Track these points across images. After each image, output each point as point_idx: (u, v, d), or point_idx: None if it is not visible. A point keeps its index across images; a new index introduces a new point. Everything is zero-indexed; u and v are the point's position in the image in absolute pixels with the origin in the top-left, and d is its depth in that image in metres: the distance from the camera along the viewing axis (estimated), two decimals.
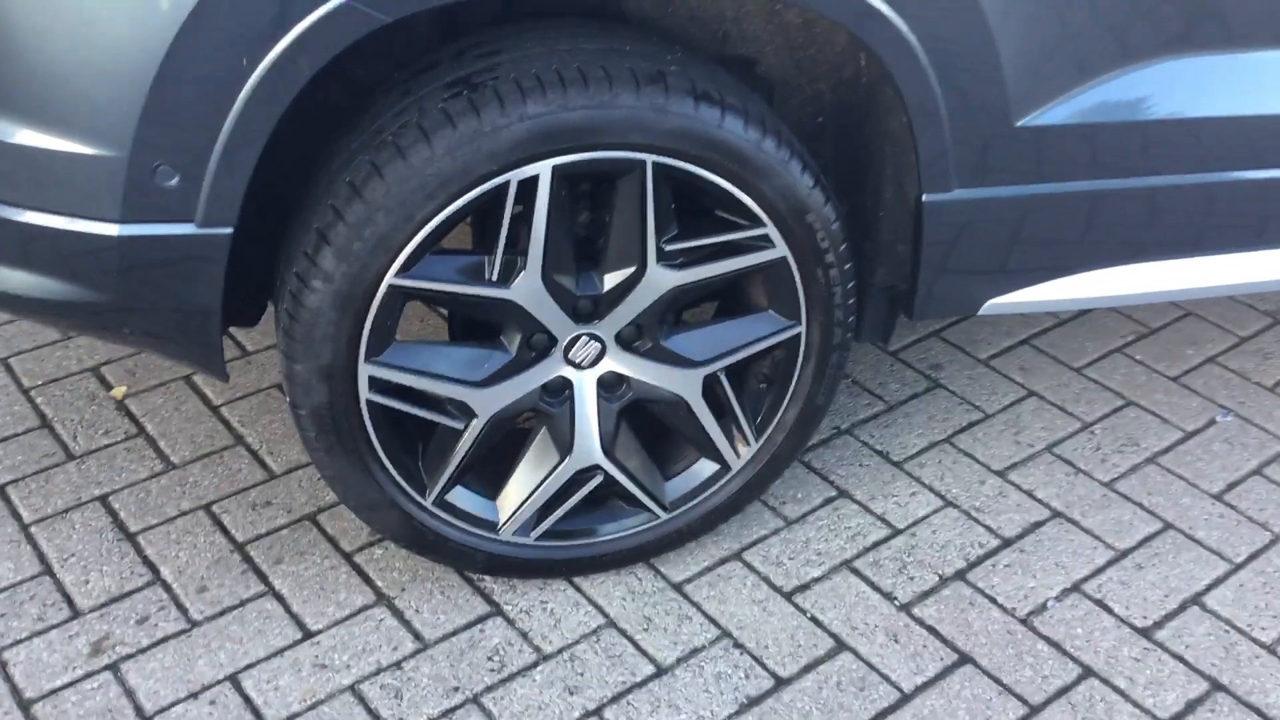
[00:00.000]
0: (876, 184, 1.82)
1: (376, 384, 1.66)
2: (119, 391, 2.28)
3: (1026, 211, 1.79)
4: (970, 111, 1.66)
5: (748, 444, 1.87)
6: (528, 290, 1.65)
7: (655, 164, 1.59)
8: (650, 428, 1.86)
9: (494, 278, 1.63)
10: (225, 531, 1.99)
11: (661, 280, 1.69)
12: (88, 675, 1.76)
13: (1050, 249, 1.86)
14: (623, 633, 1.84)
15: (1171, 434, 2.20)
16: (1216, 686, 1.76)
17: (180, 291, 1.59)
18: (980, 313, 1.90)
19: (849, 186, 1.85)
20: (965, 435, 2.19)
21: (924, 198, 1.72)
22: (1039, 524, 2.02)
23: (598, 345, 1.73)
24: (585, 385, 1.77)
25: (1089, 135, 1.74)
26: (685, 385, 1.79)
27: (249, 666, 1.78)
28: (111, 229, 1.52)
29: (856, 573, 1.93)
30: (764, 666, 1.79)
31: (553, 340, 1.72)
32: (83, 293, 1.59)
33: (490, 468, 1.83)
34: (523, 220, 1.61)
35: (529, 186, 1.56)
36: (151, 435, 2.18)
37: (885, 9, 1.55)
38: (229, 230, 1.54)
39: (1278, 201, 1.91)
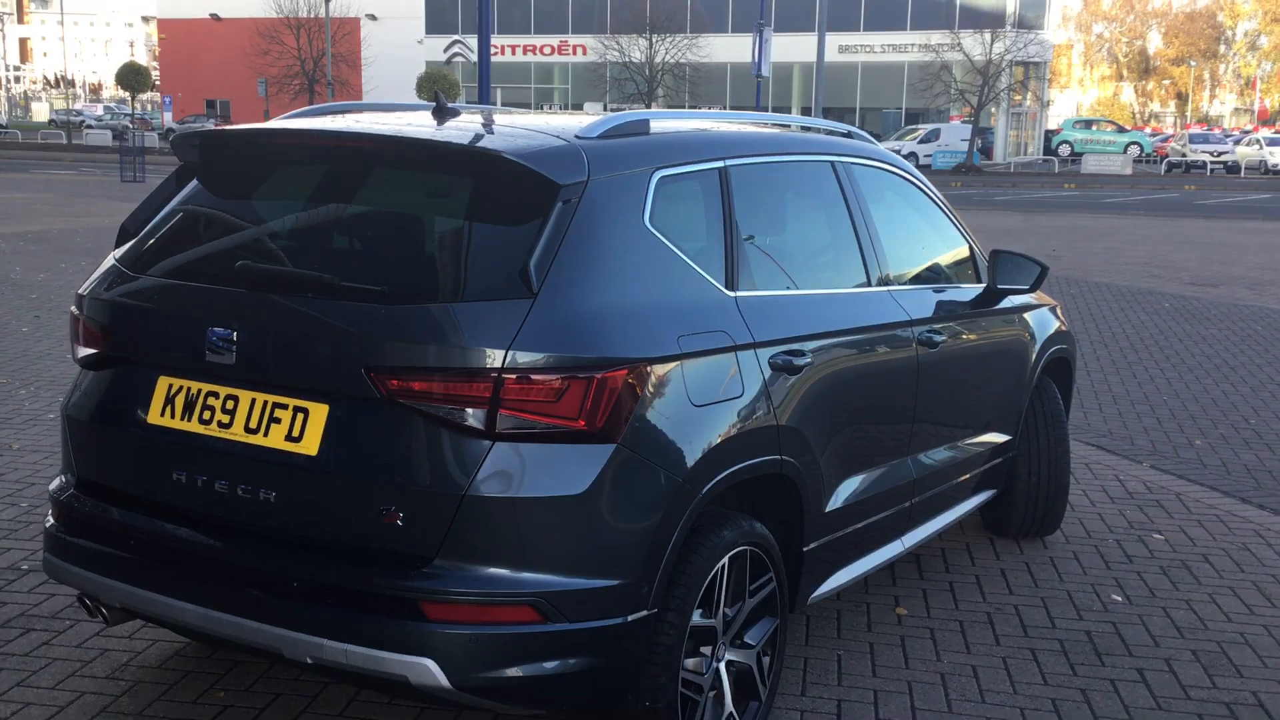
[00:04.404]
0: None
1: None
2: None
3: (832, 545, 4.05)
4: (816, 507, 3.91)
5: (765, 684, 3.74)
6: (722, 617, 3.49)
7: (750, 550, 3.58)
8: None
9: (713, 616, 3.45)
10: None
11: (746, 607, 3.61)
12: None
13: (838, 557, 4.13)
14: None
15: None
16: None
17: (638, 652, 3.17)
18: (809, 602, 4.08)
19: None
20: None
21: (805, 548, 3.91)
22: None
23: (725, 645, 3.57)
24: (720, 666, 3.57)
25: (849, 509, 4.08)
26: (750, 655, 3.67)
27: None
28: (624, 619, 3.10)
29: None
30: None
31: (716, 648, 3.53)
32: (596, 664, 3.08)
33: None
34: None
35: (721, 568, 3.45)
36: None
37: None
38: (657, 610, 3.20)
39: (925, 501, 4.45)
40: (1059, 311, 5.99)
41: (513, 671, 3.01)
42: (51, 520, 3.58)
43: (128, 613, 3.51)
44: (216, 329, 3.18)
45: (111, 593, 3.37)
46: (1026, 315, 5.48)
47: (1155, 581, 5.35)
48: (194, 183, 3.68)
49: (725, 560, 3.44)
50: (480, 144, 3.35)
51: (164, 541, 3.30)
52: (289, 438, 3.12)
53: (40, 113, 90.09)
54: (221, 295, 3.27)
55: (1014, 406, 5.40)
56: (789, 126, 4.72)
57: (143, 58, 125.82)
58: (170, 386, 3.32)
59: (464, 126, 3.59)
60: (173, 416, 3.29)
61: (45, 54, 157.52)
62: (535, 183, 3.19)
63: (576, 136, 3.42)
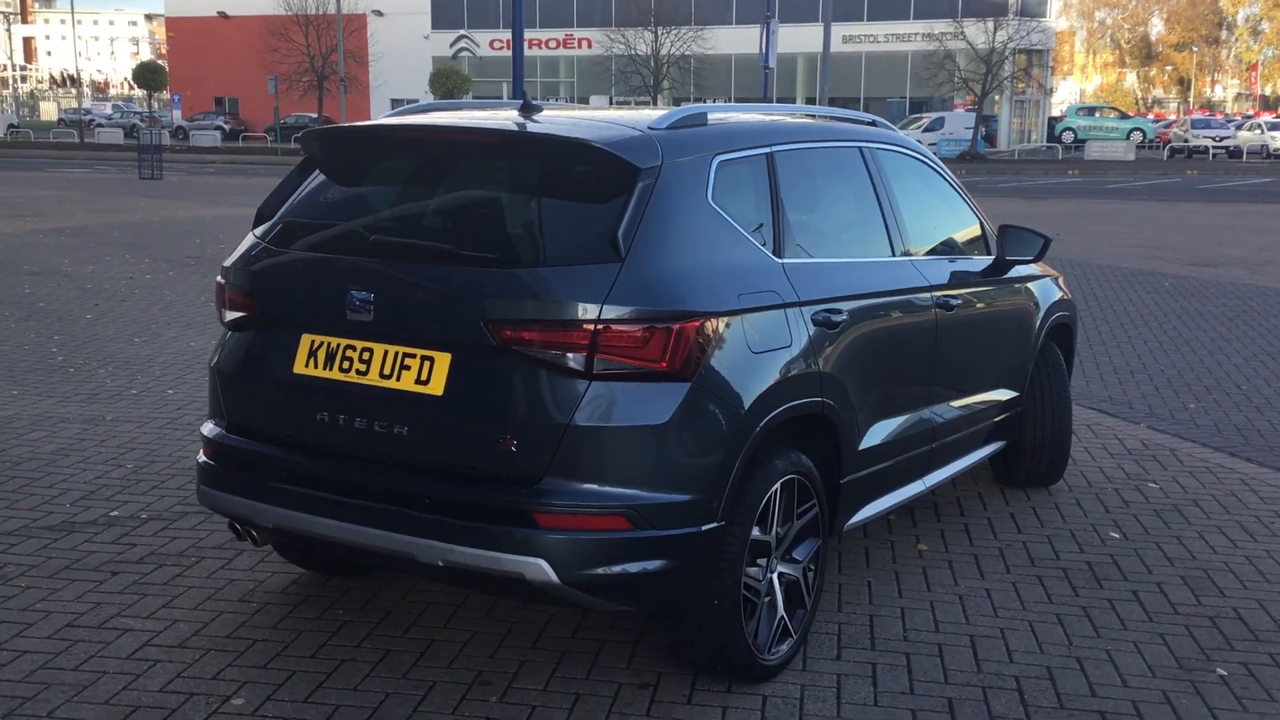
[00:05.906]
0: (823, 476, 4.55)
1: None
2: None
3: (865, 480, 4.69)
4: (851, 445, 4.55)
5: (810, 595, 4.38)
6: (775, 534, 4.12)
7: (797, 479, 4.21)
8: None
9: (768, 533, 4.09)
10: None
11: (794, 527, 4.25)
12: None
13: (870, 491, 4.76)
14: None
15: None
16: None
17: (709, 557, 3.80)
18: (845, 528, 4.71)
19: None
20: None
21: (842, 480, 4.54)
22: None
23: (777, 559, 4.20)
24: (773, 576, 4.20)
25: (878, 448, 4.72)
26: (798, 569, 4.30)
27: None
28: (698, 528, 3.73)
29: None
30: None
31: (770, 560, 4.16)
32: (676, 566, 3.71)
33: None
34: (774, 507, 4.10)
35: (774, 492, 4.08)
36: None
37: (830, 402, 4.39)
38: (724, 522, 3.83)
39: (942, 447, 5.10)
40: (1061, 282, 6.61)
41: (608, 570, 3.64)
42: (204, 458, 4.22)
43: (278, 533, 4.15)
44: (356, 292, 3.81)
45: (265, 515, 4.01)
46: (1031, 284, 6.11)
47: (1150, 522, 5.97)
48: (317, 172, 4.32)
49: (778, 485, 4.07)
50: (571, 134, 3.98)
51: (310, 470, 3.94)
52: (418, 381, 3.76)
53: (49, 112, 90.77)
54: (359, 264, 3.90)
55: (1021, 366, 6.02)
56: (822, 117, 5.34)
57: (147, 56, 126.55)
58: (313, 342, 3.95)
59: (552, 120, 4.22)
60: (315, 367, 3.93)
61: (49, 53, 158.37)
62: (620, 167, 3.82)
63: (649, 128, 4.05)
